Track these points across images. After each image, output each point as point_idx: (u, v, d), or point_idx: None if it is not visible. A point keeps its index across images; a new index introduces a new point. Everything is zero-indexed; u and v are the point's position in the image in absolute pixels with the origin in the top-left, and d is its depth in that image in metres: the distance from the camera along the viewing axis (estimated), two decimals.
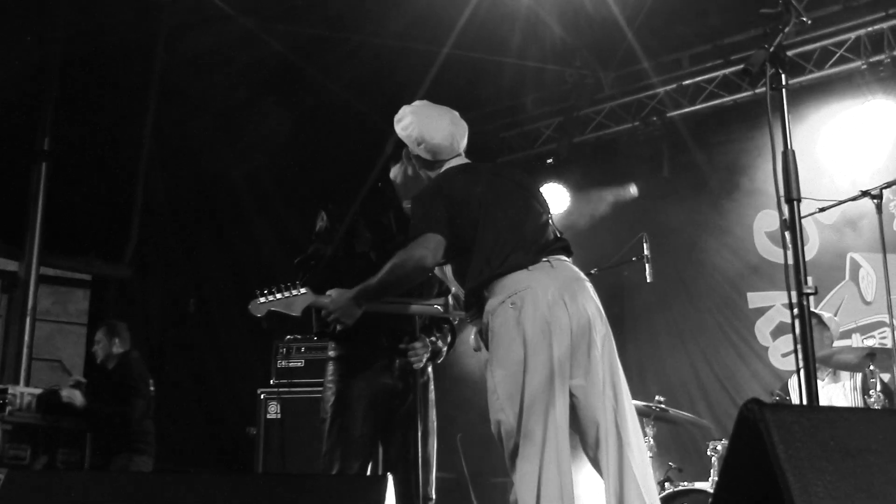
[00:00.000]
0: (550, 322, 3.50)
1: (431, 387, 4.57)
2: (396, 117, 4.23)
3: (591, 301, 3.69)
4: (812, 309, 6.76)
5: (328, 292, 4.07)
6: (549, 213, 4.00)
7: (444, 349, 4.60)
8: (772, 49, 2.97)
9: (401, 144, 4.31)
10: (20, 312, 8.54)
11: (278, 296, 4.10)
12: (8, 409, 7.04)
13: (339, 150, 8.97)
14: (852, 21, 8.16)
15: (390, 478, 2.79)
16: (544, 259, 3.66)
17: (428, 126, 4.10)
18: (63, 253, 9.08)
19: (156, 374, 8.16)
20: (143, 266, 9.41)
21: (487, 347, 3.67)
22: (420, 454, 4.30)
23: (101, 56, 8.30)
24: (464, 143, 4.20)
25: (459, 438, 8.71)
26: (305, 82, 8.88)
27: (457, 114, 4.27)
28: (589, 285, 3.77)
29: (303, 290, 4.09)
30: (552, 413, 3.43)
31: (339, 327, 4.10)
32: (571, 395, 3.54)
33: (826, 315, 6.69)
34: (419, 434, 4.33)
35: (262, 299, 4.11)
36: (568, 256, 3.82)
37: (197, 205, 9.64)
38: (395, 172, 4.38)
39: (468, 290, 3.73)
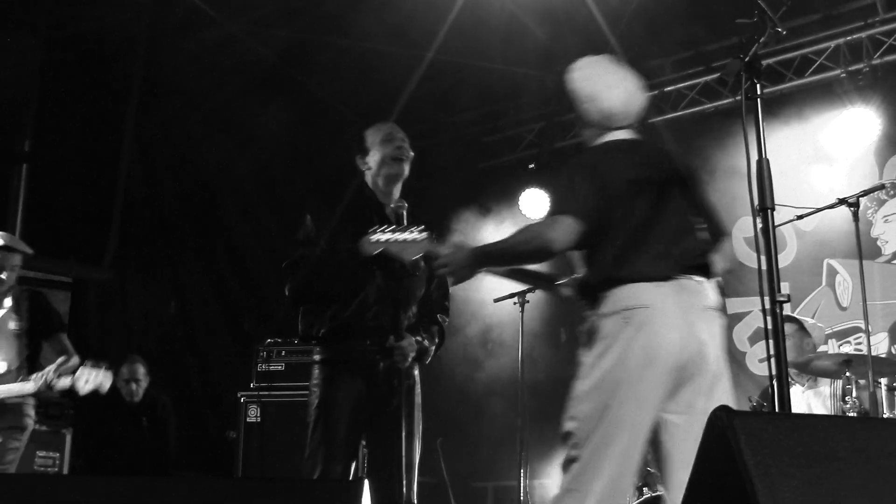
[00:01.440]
0: (659, 350, 3.25)
1: (418, 390, 4.52)
2: (574, 66, 3.80)
3: (711, 335, 3.44)
4: (791, 315, 6.83)
5: (450, 245, 3.83)
6: (707, 222, 3.66)
7: (432, 349, 4.58)
8: (747, 59, 3.00)
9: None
10: None
11: (396, 236, 3.88)
12: None
13: (323, 154, 8.98)
14: (832, 30, 8.22)
15: (366, 482, 2.81)
16: (677, 277, 3.38)
17: (603, 85, 3.68)
18: (43, 255, 9.05)
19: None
20: (124, 269, 9.39)
21: (586, 345, 3.41)
22: (404, 458, 4.20)
23: (82, 59, 8.29)
24: (637, 114, 3.76)
25: (440, 443, 8.73)
26: (289, 86, 8.89)
27: (638, 79, 3.83)
28: (718, 317, 3.52)
29: (420, 236, 3.86)
30: (629, 448, 3.24)
31: (451, 281, 3.95)
32: (663, 431, 3.32)
33: (809, 321, 6.73)
34: (403, 437, 4.21)
35: (377, 237, 3.89)
36: (707, 278, 3.52)
37: (178, 207, 9.63)
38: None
39: (584, 283, 3.49)
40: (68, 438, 7.48)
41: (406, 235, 3.86)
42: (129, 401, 7.99)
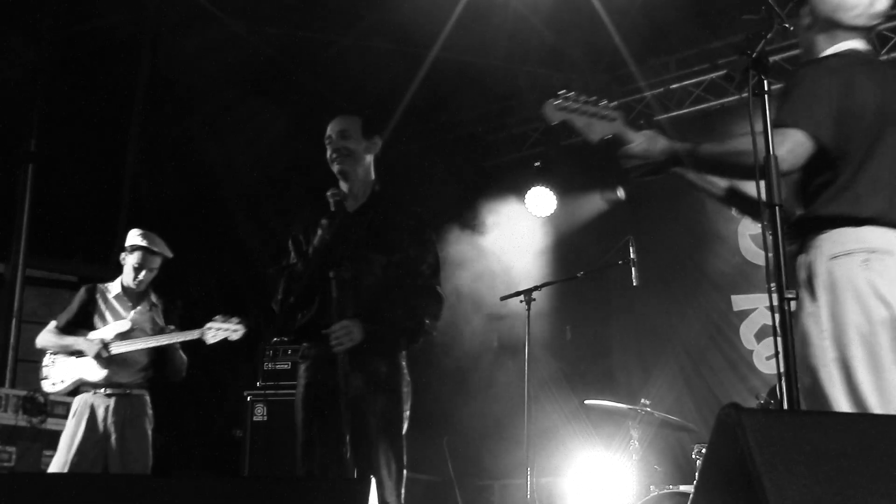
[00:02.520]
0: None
1: (400, 380, 4.36)
2: None
3: None
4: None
5: (644, 133, 3.32)
6: None
7: (403, 339, 4.36)
8: (754, 55, 2.98)
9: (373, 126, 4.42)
10: (6, 314, 8.54)
11: (583, 108, 3.31)
12: None
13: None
14: None
15: (373, 480, 2.79)
16: None
17: None
18: (49, 254, 9.08)
19: None
20: None
21: (807, 287, 3.08)
22: (351, 455, 4.03)
23: (88, 59, 8.30)
24: (879, 16, 3.23)
25: (446, 441, 8.73)
26: (294, 85, 8.89)
27: None
28: None
29: (613, 115, 3.32)
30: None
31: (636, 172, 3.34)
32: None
33: None
34: (349, 434, 4.05)
35: (562, 103, 3.33)
36: None
37: (183, 206, 9.63)
38: None
39: (809, 215, 3.12)
40: None
41: (594, 110, 3.32)
42: None
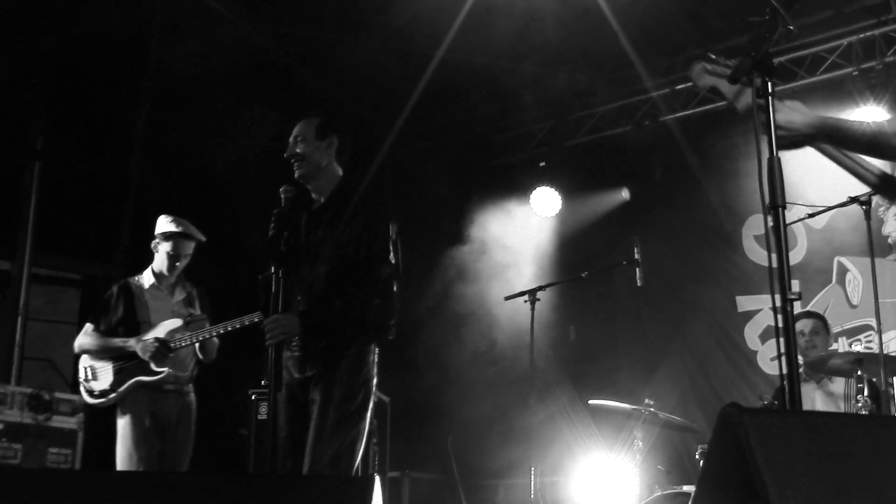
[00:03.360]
0: None
1: (351, 377, 4.24)
2: None
3: None
4: (816, 311, 6.79)
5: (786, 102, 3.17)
6: None
7: (372, 320, 4.28)
8: (758, 57, 2.99)
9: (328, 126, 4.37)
10: (12, 311, 8.56)
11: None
12: None
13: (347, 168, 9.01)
14: (844, 27, 8.19)
15: (377, 478, 2.81)
16: None
17: None
18: (55, 252, 9.09)
19: None
20: (135, 266, 9.40)
21: None
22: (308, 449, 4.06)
23: (94, 57, 8.32)
24: None
25: (450, 441, 8.75)
26: (299, 84, 8.90)
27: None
28: None
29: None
30: None
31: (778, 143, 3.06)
32: None
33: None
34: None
35: (711, 66, 3.24)
36: None
37: (189, 205, 9.64)
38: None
39: None
40: (80, 435, 7.50)
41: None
42: None
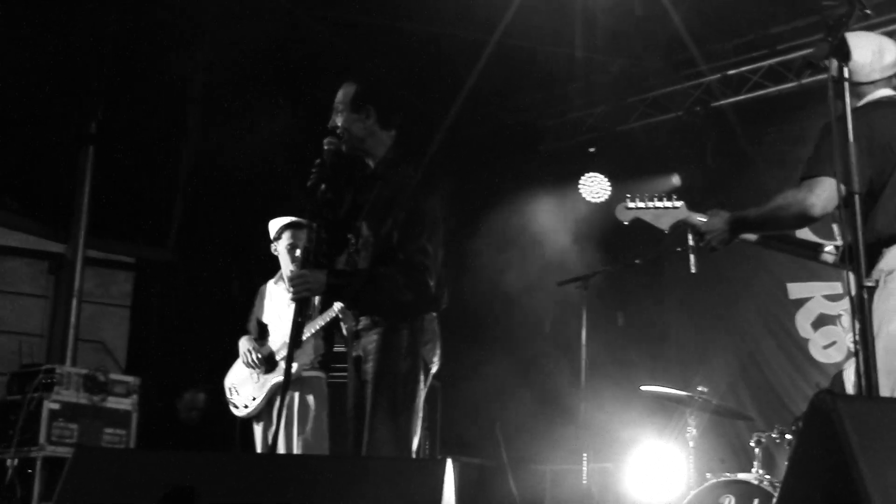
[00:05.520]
0: None
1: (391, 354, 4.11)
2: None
3: None
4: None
5: (708, 213, 3.84)
6: None
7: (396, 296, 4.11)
8: (835, 42, 2.96)
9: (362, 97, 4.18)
10: (67, 294, 8.67)
11: (650, 205, 3.92)
12: (56, 388, 7.17)
13: (399, 135, 9.03)
14: None
15: (449, 461, 2.82)
16: None
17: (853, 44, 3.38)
18: (108, 236, 9.19)
19: (201, 357, 8.29)
20: (188, 250, 9.49)
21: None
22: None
23: (148, 42, 8.38)
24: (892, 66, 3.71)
25: (498, 426, 8.77)
26: (354, 70, 8.92)
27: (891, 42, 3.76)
28: None
29: (677, 205, 3.90)
30: None
31: (709, 246, 3.89)
32: None
33: None
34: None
35: (632, 204, 3.95)
36: None
37: (239, 189, 9.70)
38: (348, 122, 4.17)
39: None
40: (134, 416, 7.61)
41: (660, 204, 3.88)
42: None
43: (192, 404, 8.28)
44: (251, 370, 6.08)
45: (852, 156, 2.90)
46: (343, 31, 8.61)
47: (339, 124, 4.25)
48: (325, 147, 4.17)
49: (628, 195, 3.91)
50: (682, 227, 3.89)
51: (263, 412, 6.05)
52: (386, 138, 4.34)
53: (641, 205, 3.87)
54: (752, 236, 3.89)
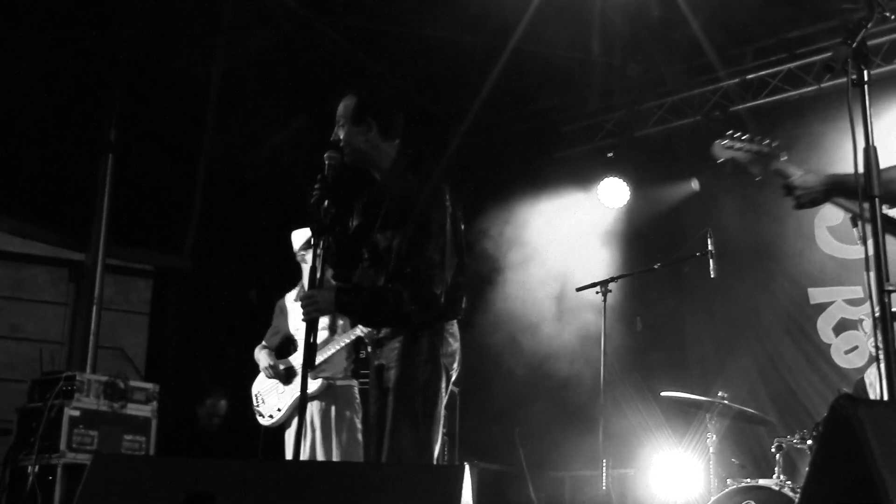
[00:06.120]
0: None
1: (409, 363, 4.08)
2: None
3: None
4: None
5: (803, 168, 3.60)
6: None
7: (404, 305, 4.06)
8: (854, 45, 2.95)
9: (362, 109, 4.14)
10: (87, 301, 8.70)
11: (747, 147, 3.72)
12: (76, 395, 7.19)
13: (403, 144, 9.03)
14: None
15: (467, 467, 2.82)
16: None
17: None
18: (127, 244, 9.22)
19: (220, 364, 8.32)
20: (205, 258, 9.51)
21: None
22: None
23: (166, 50, 8.41)
24: None
25: (517, 432, 8.75)
26: (368, 76, 8.93)
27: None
28: None
29: (777, 151, 3.68)
30: None
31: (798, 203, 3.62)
32: None
33: None
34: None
35: (729, 143, 3.76)
36: None
37: (256, 198, 9.73)
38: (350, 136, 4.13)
39: None
40: (154, 423, 7.62)
41: (758, 147, 3.67)
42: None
43: (214, 411, 8.32)
44: (274, 380, 6.21)
45: (872, 161, 2.88)
46: (359, 37, 8.61)
47: (341, 137, 4.22)
48: (327, 161, 4.15)
49: (729, 132, 3.73)
50: (774, 176, 3.65)
51: (291, 420, 6.14)
52: (389, 149, 4.32)
53: (739, 145, 3.67)
54: (849, 204, 3.54)
